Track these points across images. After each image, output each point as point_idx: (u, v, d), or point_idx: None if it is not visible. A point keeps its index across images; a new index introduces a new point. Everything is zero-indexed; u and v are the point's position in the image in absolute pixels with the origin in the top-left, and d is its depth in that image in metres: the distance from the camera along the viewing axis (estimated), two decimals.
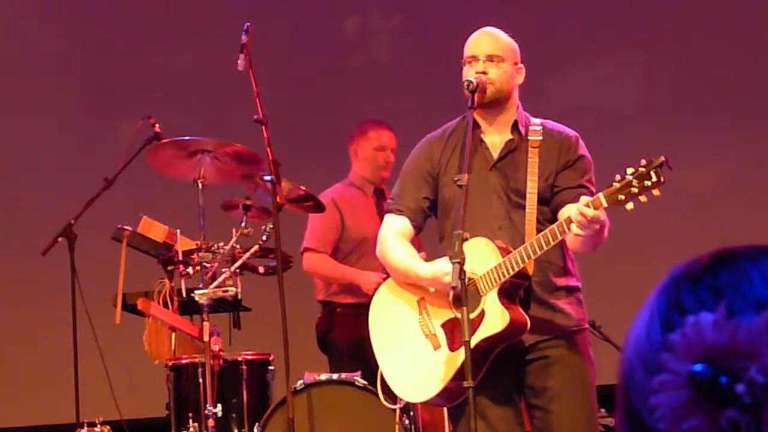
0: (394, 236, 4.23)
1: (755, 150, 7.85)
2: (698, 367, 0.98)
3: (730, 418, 0.97)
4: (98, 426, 4.92)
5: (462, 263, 3.71)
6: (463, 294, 3.75)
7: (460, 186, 3.87)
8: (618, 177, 3.75)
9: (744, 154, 7.87)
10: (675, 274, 1.09)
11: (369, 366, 5.23)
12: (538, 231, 3.96)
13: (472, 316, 3.90)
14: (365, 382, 5.05)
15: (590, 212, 3.71)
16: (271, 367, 5.40)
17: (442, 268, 3.98)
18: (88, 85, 8.09)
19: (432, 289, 4.09)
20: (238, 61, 4.93)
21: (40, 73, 8.09)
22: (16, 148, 7.94)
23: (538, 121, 4.22)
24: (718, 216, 7.50)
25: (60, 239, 5.89)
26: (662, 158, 3.71)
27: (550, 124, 4.24)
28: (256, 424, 5.08)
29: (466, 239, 3.76)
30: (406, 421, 5.03)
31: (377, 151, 6.08)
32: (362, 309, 5.93)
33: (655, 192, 3.72)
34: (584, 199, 3.76)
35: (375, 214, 6.04)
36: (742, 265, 1.06)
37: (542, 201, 4.10)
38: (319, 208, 5.45)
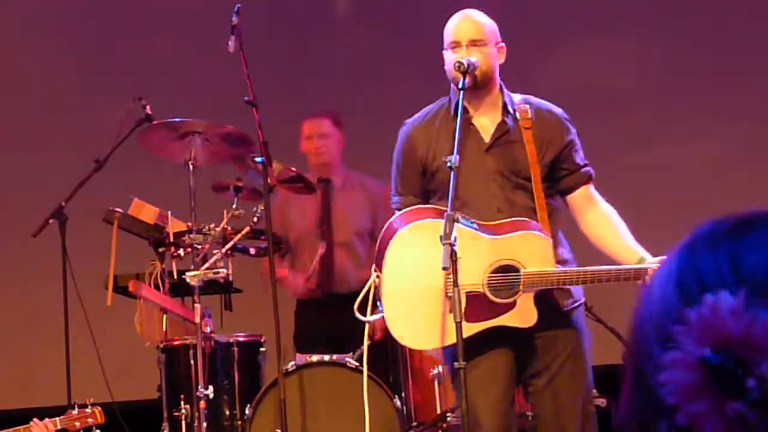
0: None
1: (744, 130, 7.85)
2: (710, 354, 0.96)
3: (737, 410, 0.94)
4: (89, 407, 4.91)
5: (453, 245, 3.70)
6: (454, 275, 3.75)
7: (449, 167, 3.87)
8: None
9: (733, 135, 7.86)
10: (695, 234, 1.06)
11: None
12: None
13: (504, 300, 3.98)
14: (357, 363, 5.06)
15: None
16: (262, 349, 5.41)
17: None
18: (78, 65, 8.06)
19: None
20: (229, 43, 4.92)
21: (30, 54, 8.06)
22: (6, 129, 7.92)
23: (520, 97, 4.22)
24: (707, 196, 7.49)
25: (51, 221, 5.87)
26: None
27: (534, 100, 4.24)
28: (248, 405, 5.08)
29: (457, 220, 3.77)
30: (398, 402, 5.04)
31: (305, 141, 6.21)
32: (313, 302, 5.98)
33: None
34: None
35: (316, 203, 6.08)
36: (763, 231, 1.04)
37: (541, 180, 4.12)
38: (309, 189, 5.45)
